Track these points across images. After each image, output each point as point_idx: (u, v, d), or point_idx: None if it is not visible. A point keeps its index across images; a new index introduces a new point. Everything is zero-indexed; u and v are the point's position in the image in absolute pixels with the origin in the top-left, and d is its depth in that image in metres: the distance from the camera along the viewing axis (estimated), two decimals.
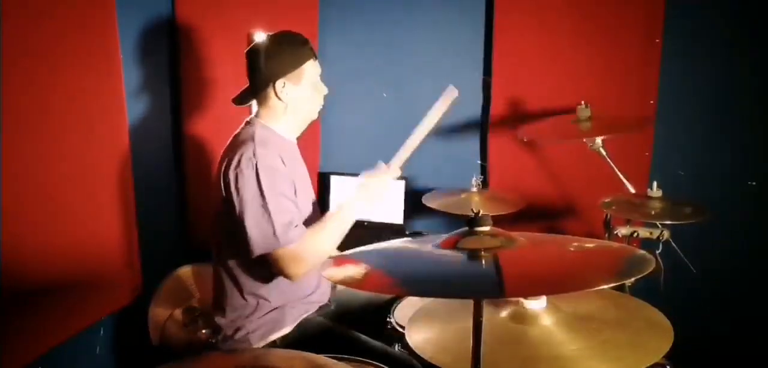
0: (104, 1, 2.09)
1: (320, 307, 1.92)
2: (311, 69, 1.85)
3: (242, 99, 1.88)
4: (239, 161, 1.70)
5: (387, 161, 1.92)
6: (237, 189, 1.69)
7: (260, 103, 1.86)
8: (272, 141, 1.79)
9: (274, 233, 1.67)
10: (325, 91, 1.90)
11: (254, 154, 1.70)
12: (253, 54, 1.82)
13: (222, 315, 1.84)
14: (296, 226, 1.72)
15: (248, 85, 1.86)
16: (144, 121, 2.43)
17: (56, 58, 1.88)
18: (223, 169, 1.74)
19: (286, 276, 1.72)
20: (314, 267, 1.74)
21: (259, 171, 1.68)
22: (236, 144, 1.77)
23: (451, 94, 1.89)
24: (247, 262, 1.76)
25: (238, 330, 1.81)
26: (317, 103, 1.90)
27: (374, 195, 1.87)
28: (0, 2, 1.64)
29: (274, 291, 1.80)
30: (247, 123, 1.85)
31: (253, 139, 1.74)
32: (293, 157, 1.88)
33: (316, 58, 1.87)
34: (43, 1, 1.84)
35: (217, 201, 1.78)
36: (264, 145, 1.74)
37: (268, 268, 1.74)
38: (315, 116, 1.93)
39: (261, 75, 1.81)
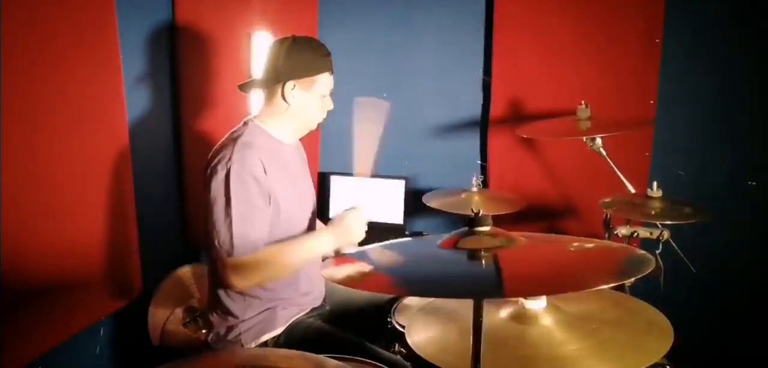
0: (104, 1, 2.09)
1: (313, 309, 1.91)
2: (325, 81, 1.83)
3: (248, 85, 1.87)
4: (216, 163, 1.70)
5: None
6: (208, 188, 1.70)
7: (265, 98, 1.85)
8: (259, 144, 1.76)
9: (231, 240, 1.64)
10: (331, 106, 1.88)
11: (230, 158, 1.68)
12: (275, 47, 1.80)
13: (215, 313, 1.85)
14: (257, 239, 1.68)
15: (262, 74, 1.83)
16: (144, 121, 2.43)
17: (56, 57, 1.88)
18: (204, 167, 1.75)
19: (227, 286, 1.70)
20: (260, 286, 1.73)
21: (231, 175, 1.66)
22: (222, 144, 1.77)
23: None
24: None
25: (229, 329, 1.81)
26: (320, 116, 1.88)
27: (344, 231, 1.77)
28: (0, 2, 1.64)
29: (266, 290, 1.79)
30: (244, 123, 1.84)
31: (235, 141, 1.73)
32: (285, 161, 1.85)
33: (332, 73, 1.85)
34: (43, 2, 1.84)
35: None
36: (247, 148, 1.71)
37: None
38: (314, 127, 1.91)
39: (275, 69, 1.78)
